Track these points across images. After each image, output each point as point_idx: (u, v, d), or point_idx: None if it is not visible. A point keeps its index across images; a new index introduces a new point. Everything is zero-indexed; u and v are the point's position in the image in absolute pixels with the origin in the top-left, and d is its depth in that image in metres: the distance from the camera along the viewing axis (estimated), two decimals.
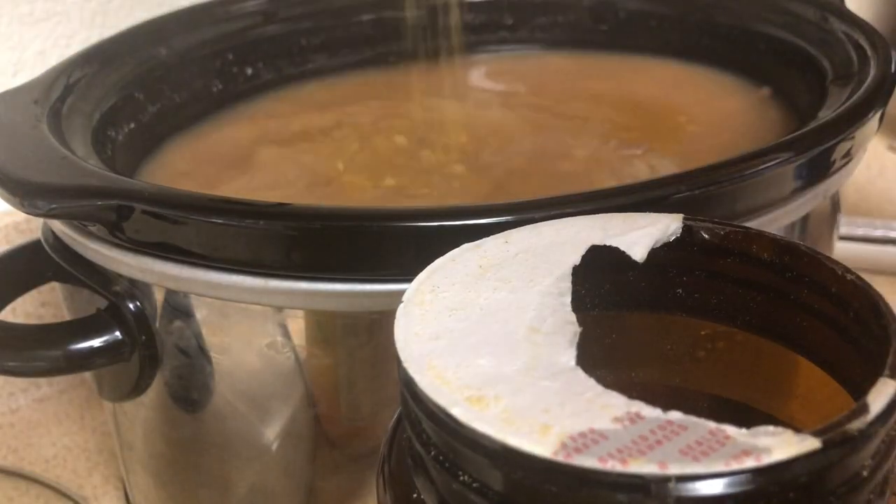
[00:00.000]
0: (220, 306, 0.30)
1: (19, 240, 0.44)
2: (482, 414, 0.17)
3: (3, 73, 0.50)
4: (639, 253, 0.23)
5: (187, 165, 0.41)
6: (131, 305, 0.32)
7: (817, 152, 0.31)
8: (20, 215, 0.48)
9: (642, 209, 0.28)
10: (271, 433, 0.33)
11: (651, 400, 0.18)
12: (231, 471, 0.34)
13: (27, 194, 0.30)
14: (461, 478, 0.18)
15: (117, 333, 0.32)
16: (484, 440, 0.17)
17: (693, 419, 0.17)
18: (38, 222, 0.36)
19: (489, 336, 0.20)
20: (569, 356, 0.19)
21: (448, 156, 0.41)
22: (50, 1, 0.50)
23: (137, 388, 0.33)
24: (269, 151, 0.42)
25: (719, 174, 0.29)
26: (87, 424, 0.50)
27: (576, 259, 0.22)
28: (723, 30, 0.46)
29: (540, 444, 0.17)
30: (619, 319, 0.24)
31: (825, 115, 0.33)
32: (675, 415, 0.17)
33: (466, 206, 0.28)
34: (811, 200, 0.32)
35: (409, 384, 0.19)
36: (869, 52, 0.37)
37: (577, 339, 0.20)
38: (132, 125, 0.41)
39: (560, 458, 0.16)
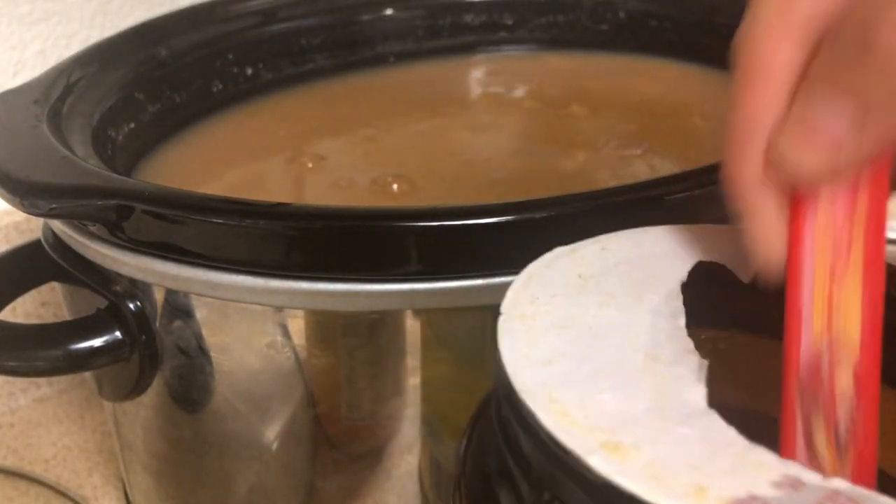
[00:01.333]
0: (220, 306, 0.30)
1: (19, 240, 0.44)
2: (624, 466, 0.16)
3: (3, 73, 0.50)
4: (747, 272, 0.21)
5: (187, 165, 0.41)
6: (131, 305, 0.32)
7: None
8: (20, 215, 0.48)
9: (642, 209, 0.28)
10: (271, 433, 0.33)
11: (746, 427, 0.17)
12: (231, 471, 0.34)
13: (27, 194, 0.30)
14: None
15: (117, 333, 0.32)
16: (631, 501, 0.15)
17: (862, 491, 0.16)
18: (38, 222, 0.36)
19: (605, 363, 0.19)
20: (698, 395, 0.18)
21: (448, 155, 0.41)
22: (50, 1, 0.50)
23: (137, 388, 0.33)
24: (269, 151, 0.42)
25: (720, 174, 0.29)
26: (87, 424, 0.50)
27: (683, 274, 0.21)
28: (723, 30, 0.46)
29: None
30: (709, 338, 0.23)
31: None
32: (840, 484, 0.16)
33: (466, 206, 0.28)
34: None
35: (526, 419, 0.17)
36: None
37: (704, 375, 0.19)
38: (132, 125, 0.41)
39: None
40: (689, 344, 0.19)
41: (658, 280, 0.21)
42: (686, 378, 0.18)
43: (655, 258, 0.22)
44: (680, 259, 0.21)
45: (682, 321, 0.20)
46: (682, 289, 0.21)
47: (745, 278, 0.21)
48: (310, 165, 0.41)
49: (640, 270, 0.21)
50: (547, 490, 0.17)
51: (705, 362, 0.19)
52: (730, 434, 0.17)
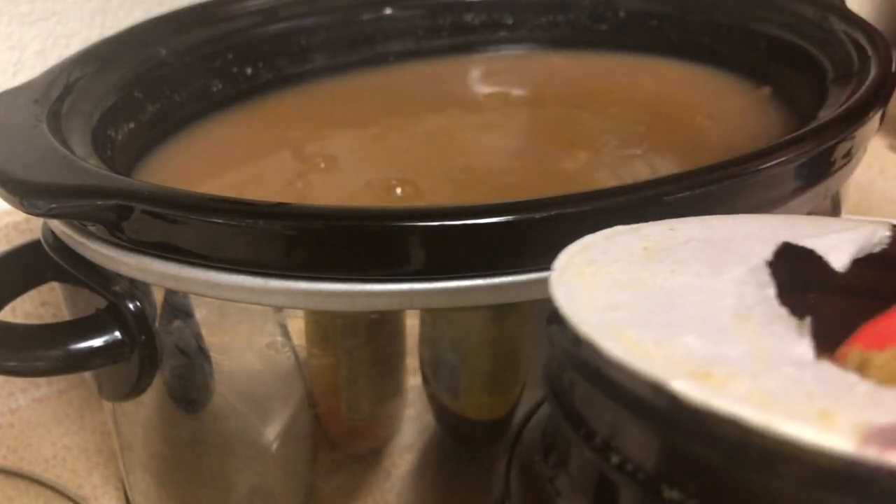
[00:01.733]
0: (220, 306, 0.30)
1: (19, 240, 0.44)
2: (720, 392, 0.13)
3: (3, 72, 0.50)
4: (839, 260, 0.19)
5: (187, 165, 0.41)
6: (131, 305, 0.32)
7: (817, 152, 0.31)
8: (20, 215, 0.48)
9: (643, 209, 0.28)
10: (271, 433, 0.33)
11: None
12: (231, 471, 0.34)
13: (27, 194, 0.30)
14: (672, 490, 0.13)
15: (117, 333, 0.32)
16: (733, 425, 0.12)
17: None
18: (38, 222, 0.36)
19: (685, 316, 0.16)
20: (804, 347, 0.15)
21: (449, 156, 0.41)
22: (49, 0, 0.50)
23: (137, 388, 0.33)
24: (269, 151, 0.42)
25: (720, 174, 0.29)
26: (86, 424, 0.50)
27: (766, 254, 0.18)
28: (723, 29, 0.46)
29: (830, 434, 0.12)
30: None
31: (825, 114, 0.33)
32: None
33: (466, 206, 0.28)
34: (811, 200, 0.32)
35: (588, 357, 0.15)
36: (869, 52, 0.37)
37: (808, 330, 0.16)
38: (132, 125, 0.41)
39: (871, 455, 0.12)
40: (782, 311, 0.16)
41: (738, 257, 0.18)
42: (786, 335, 0.15)
43: (732, 239, 0.19)
44: (760, 241, 0.19)
45: (772, 292, 0.17)
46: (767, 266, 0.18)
47: (840, 267, 0.19)
48: (322, 165, 0.40)
49: (716, 248, 0.19)
50: (615, 452, 0.14)
51: (806, 320, 0.16)
52: (852, 377, 0.14)
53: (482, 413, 0.32)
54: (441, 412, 0.31)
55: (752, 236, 0.19)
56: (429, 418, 0.31)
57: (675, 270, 0.18)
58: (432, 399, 0.31)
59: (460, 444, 0.32)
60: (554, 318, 0.17)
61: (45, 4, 0.50)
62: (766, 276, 0.17)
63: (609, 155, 0.40)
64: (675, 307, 0.16)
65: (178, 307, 0.31)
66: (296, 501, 0.34)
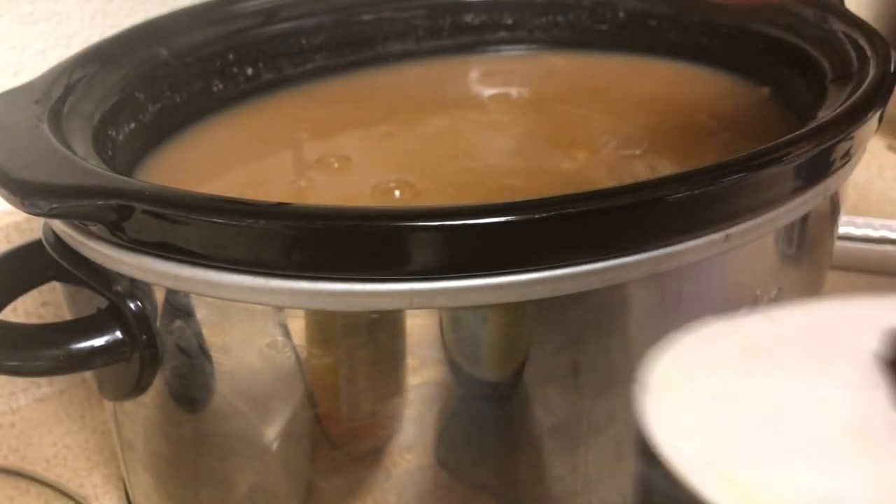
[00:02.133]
0: (221, 306, 0.30)
1: (20, 240, 0.44)
2: None
3: (4, 73, 0.50)
4: None
5: (187, 166, 0.41)
6: (132, 305, 0.32)
7: (817, 152, 0.31)
8: (21, 215, 0.49)
9: (642, 209, 0.28)
10: (271, 433, 0.33)
11: None
12: (231, 470, 0.34)
13: (28, 194, 0.30)
14: None
15: (118, 333, 0.32)
16: None
17: None
18: (38, 222, 0.36)
19: (792, 440, 0.15)
20: None
21: (448, 156, 0.41)
22: (50, 1, 0.50)
23: (138, 388, 0.34)
24: (269, 151, 0.42)
25: (719, 174, 0.29)
26: (87, 424, 0.50)
27: (874, 342, 0.17)
28: (722, 29, 0.47)
29: None
30: None
31: (825, 115, 0.33)
32: None
33: (466, 206, 0.28)
34: (811, 200, 0.32)
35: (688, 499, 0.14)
36: (868, 52, 0.37)
37: None
38: (133, 125, 0.41)
39: None
40: None
41: (844, 350, 0.18)
42: None
43: (836, 328, 0.19)
44: (866, 327, 0.18)
45: (884, 394, 0.16)
46: (876, 360, 0.18)
47: None
48: (309, 164, 0.41)
49: (818, 341, 0.18)
50: None
51: None
52: None
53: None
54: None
55: (858, 320, 0.19)
56: (430, 416, 0.31)
57: (777, 375, 0.17)
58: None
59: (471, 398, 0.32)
60: (646, 451, 0.16)
61: (46, 5, 0.50)
62: (875, 375, 0.17)
63: (609, 155, 0.40)
64: (781, 426, 0.16)
65: (178, 307, 0.31)
66: (296, 501, 0.34)
